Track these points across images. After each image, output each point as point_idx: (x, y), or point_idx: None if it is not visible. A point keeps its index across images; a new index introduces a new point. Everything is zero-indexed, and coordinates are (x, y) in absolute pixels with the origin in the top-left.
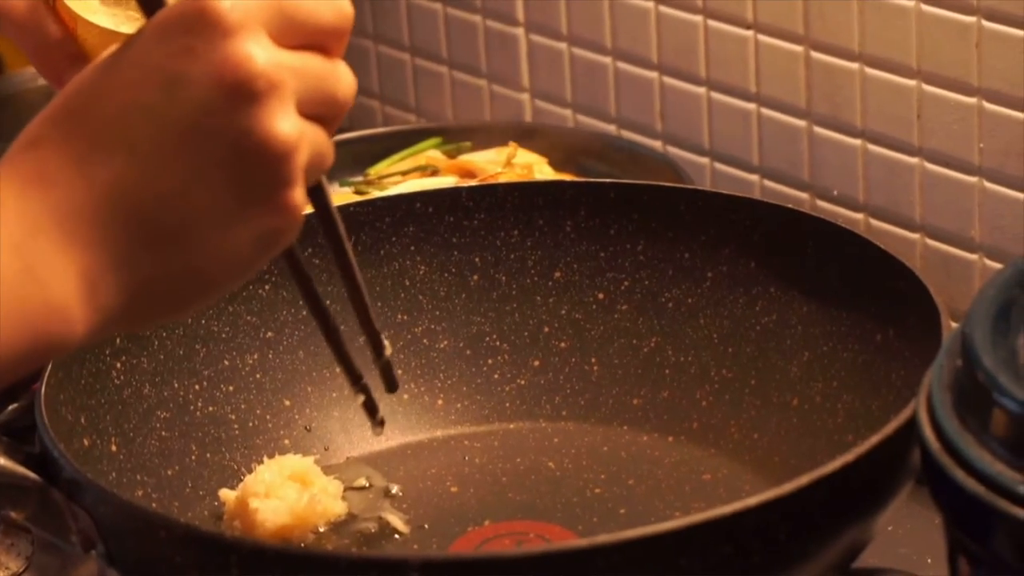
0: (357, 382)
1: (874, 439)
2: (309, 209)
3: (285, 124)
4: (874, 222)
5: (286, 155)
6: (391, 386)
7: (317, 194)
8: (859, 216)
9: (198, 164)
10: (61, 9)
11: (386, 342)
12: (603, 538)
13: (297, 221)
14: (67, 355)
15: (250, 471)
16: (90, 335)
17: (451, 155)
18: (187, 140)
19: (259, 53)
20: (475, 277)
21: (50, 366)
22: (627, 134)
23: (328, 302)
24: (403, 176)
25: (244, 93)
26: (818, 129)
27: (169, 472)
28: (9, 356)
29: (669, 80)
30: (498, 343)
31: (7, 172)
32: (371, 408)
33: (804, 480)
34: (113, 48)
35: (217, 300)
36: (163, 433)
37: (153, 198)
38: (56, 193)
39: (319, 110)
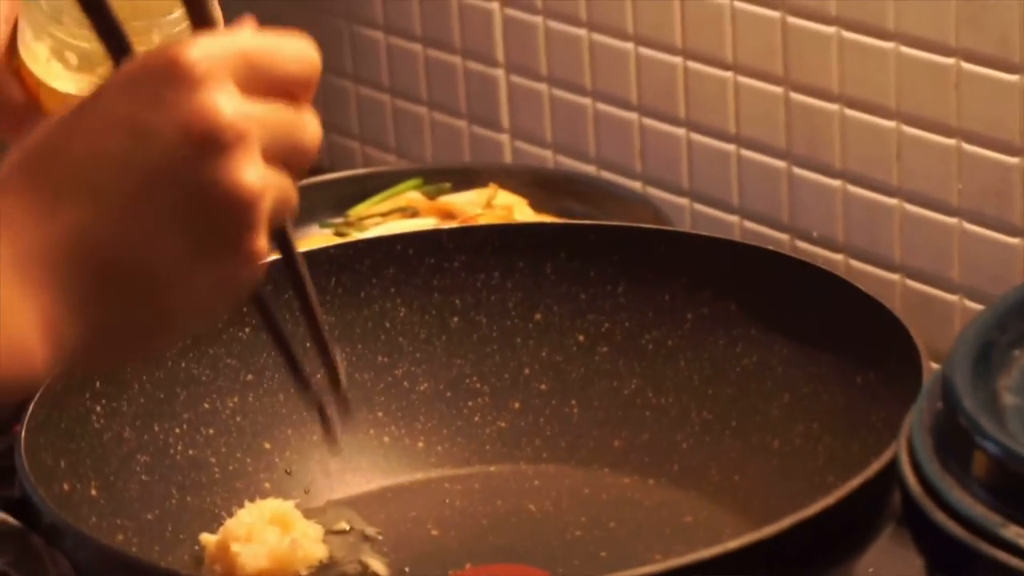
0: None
1: (855, 482)
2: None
3: (251, 174)
4: (854, 263)
5: (251, 204)
6: (346, 415)
7: (281, 238)
8: (839, 257)
9: (162, 212)
10: (24, 73)
11: (342, 376)
12: None
13: (259, 267)
14: (39, 395)
15: (230, 515)
16: (51, 372)
17: (431, 196)
18: (152, 188)
19: (226, 104)
20: (455, 319)
21: (30, 409)
22: (607, 175)
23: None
24: (383, 217)
25: (211, 143)
26: (798, 170)
27: (149, 516)
28: None
29: (649, 121)
30: (478, 385)
31: None
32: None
33: (785, 523)
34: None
35: (180, 340)
36: (143, 477)
37: (115, 244)
38: (16, 238)
39: (285, 157)
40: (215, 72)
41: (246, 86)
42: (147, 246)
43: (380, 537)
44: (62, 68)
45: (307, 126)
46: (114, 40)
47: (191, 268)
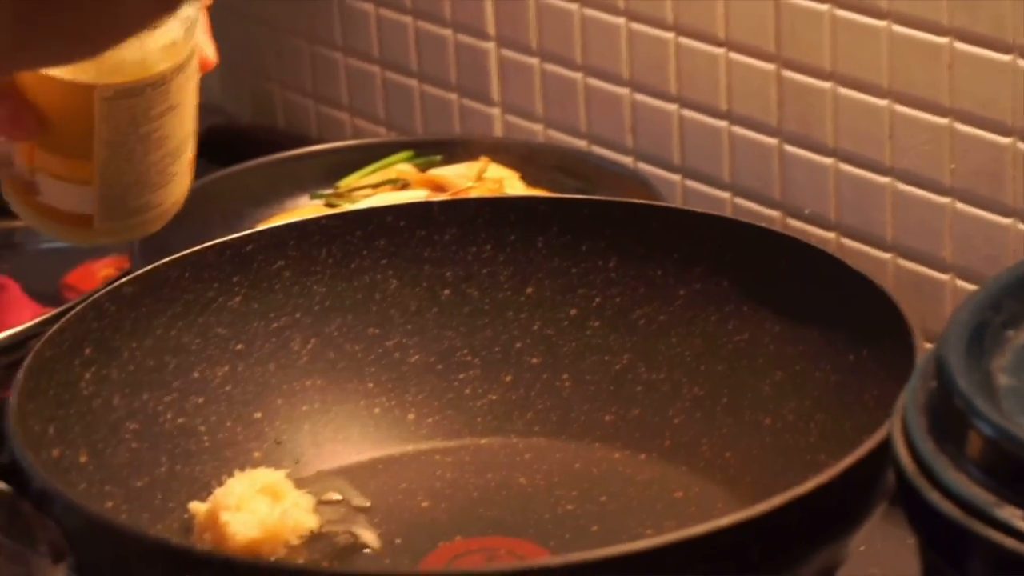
0: None
1: (848, 460)
2: None
3: None
4: (846, 241)
5: None
6: None
7: None
8: (831, 235)
9: None
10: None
11: None
12: (577, 555)
13: None
14: (28, 361)
15: (220, 483)
16: None
17: (422, 169)
18: None
19: None
20: (446, 291)
21: (20, 376)
22: (598, 149)
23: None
24: (373, 189)
25: None
26: (789, 148)
27: (139, 484)
28: None
29: (640, 96)
30: (469, 358)
31: None
32: None
33: (778, 500)
34: None
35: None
36: (133, 445)
37: None
38: None
39: None
40: None
41: None
42: None
43: (371, 508)
44: None
45: None
46: None
47: None
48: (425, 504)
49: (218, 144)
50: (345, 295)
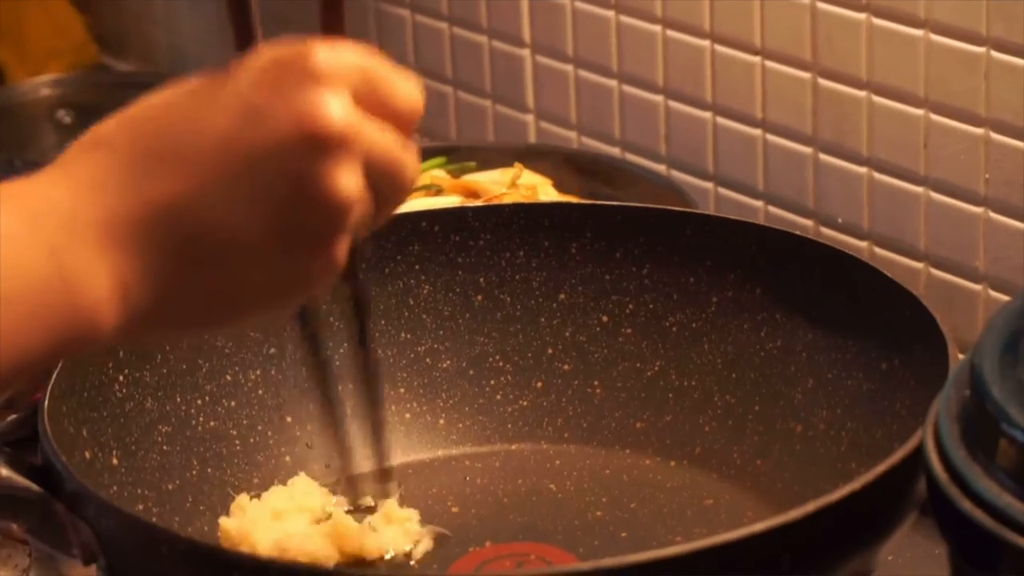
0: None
1: (880, 468)
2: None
3: (349, 181)
4: (878, 250)
5: (342, 209)
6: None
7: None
8: (863, 244)
9: (255, 194)
10: None
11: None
12: (607, 561)
13: (333, 272)
14: (71, 366)
15: (250, 488)
16: (113, 338)
17: (455, 175)
18: (251, 169)
19: (341, 109)
20: (479, 297)
21: (53, 378)
22: (631, 157)
23: None
24: None
25: (319, 141)
26: (824, 156)
27: (170, 486)
28: (34, 350)
29: (674, 104)
30: (501, 364)
31: (67, 171)
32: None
33: (810, 507)
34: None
35: (236, 328)
36: (164, 447)
37: (203, 218)
38: (107, 199)
39: (377, 182)
40: (337, 77)
41: (359, 101)
42: (233, 225)
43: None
44: None
45: (407, 161)
46: (245, 31)
47: (269, 256)
48: (455, 509)
49: None
50: (378, 300)
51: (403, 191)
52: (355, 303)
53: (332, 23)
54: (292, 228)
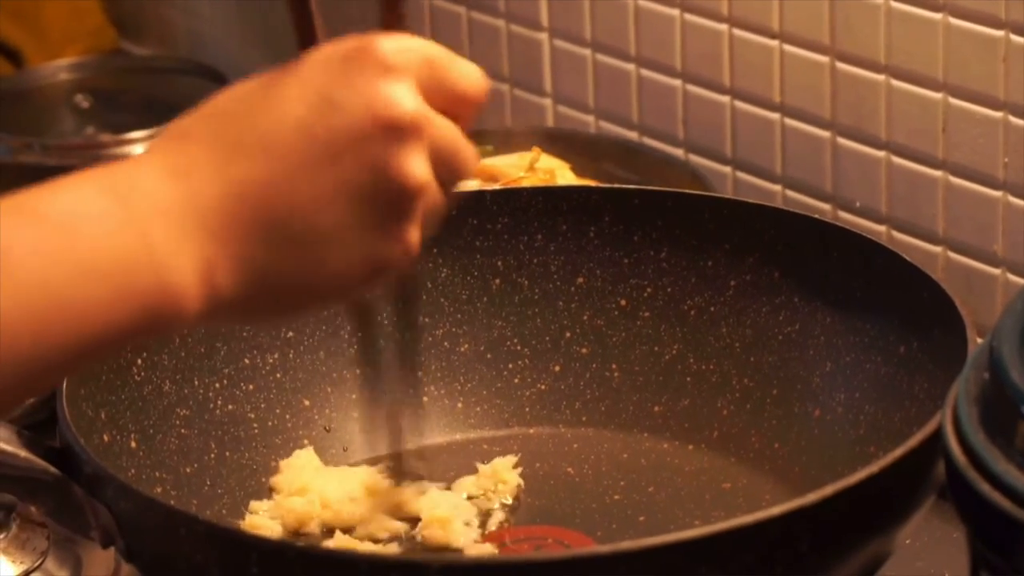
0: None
1: (898, 451)
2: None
3: (419, 167)
4: (896, 234)
5: (417, 193)
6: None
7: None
8: (881, 228)
9: (335, 181)
10: None
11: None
12: (625, 545)
13: (408, 256)
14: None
15: (268, 471)
16: (197, 321)
17: None
18: (331, 157)
19: (410, 98)
20: (497, 281)
21: None
22: (649, 141)
23: None
24: None
25: (393, 128)
26: (842, 140)
27: (188, 470)
28: (120, 327)
29: (692, 88)
30: (519, 347)
31: (153, 159)
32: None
33: (829, 490)
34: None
35: (313, 312)
36: (183, 431)
37: (286, 205)
38: (194, 185)
39: (440, 169)
40: (405, 67)
41: (425, 90)
42: (315, 210)
43: None
44: None
45: (467, 150)
46: (306, 30)
47: (348, 241)
48: None
49: None
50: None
51: (463, 178)
52: (406, 288)
53: (393, 21)
54: (369, 211)
